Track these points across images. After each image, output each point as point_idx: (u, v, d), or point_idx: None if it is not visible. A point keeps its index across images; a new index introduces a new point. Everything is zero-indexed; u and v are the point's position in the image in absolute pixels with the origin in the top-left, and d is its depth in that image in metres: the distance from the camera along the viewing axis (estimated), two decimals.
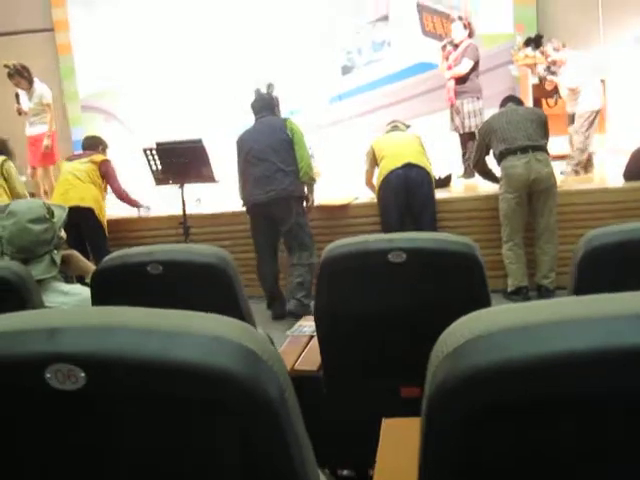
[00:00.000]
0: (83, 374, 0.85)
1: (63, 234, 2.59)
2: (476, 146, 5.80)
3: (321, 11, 8.86)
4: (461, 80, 6.90)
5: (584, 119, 6.58)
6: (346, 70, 8.95)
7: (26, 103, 7.56)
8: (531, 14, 8.52)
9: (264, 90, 5.55)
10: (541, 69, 6.94)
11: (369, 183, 5.96)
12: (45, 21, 9.57)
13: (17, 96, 7.70)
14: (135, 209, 6.24)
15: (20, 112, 7.64)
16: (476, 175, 6.25)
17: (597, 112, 6.65)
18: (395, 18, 8.76)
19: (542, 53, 7.08)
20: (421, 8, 8.66)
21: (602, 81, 7.74)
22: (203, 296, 1.91)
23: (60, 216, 2.54)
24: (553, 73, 6.77)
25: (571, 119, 6.67)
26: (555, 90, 7.02)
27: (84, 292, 2.40)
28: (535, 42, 7.89)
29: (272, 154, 5.11)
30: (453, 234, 2.10)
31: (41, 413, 0.93)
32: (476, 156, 5.73)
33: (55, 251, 2.49)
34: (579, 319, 0.78)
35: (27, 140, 7.66)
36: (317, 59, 8.99)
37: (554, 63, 6.70)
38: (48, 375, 0.86)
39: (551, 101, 7.40)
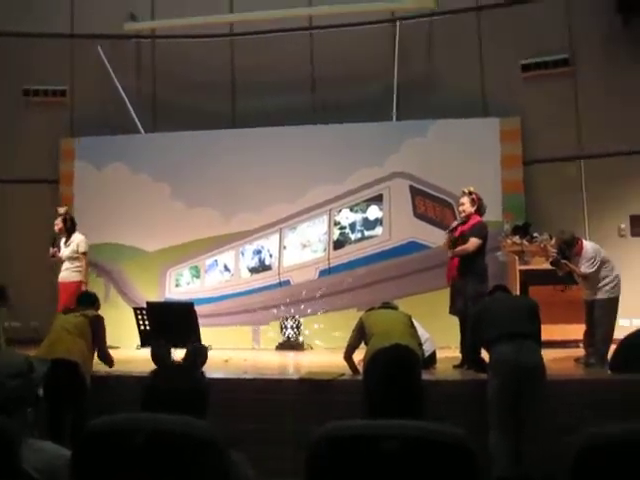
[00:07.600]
0: None
1: (40, 392, 2.51)
2: (469, 330, 5.67)
3: (319, 186, 9.27)
4: (466, 259, 6.57)
5: (605, 308, 6.52)
6: (338, 245, 9.21)
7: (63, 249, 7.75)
8: (519, 203, 8.88)
9: None
10: (554, 254, 6.78)
11: (348, 358, 5.92)
12: (51, 172, 9.93)
13: (54, 240, 7.83)
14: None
15: (55, 256, 7.74)
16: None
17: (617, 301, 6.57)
18: (388, 198, 9.11)
19: (529, 242, 7.23)
20: (414, 191, 9.02)
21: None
22: (190, 470, 1.87)
23: (40, 372, 2.49)
24: (566, 257, 6.69)
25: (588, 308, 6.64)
26: (567, 275, 6.89)
27: (56, 451, 2.32)
28: (523, 230, 8.15)
29: None
30: (440, 419, 2.06)
31: None
32: (471, 341, 5.61)
33: (29, 409, 2.42)
34: None
35: (59, 285, 7.73)
36: (311, 233, 9.28)
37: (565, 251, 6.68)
38: None
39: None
